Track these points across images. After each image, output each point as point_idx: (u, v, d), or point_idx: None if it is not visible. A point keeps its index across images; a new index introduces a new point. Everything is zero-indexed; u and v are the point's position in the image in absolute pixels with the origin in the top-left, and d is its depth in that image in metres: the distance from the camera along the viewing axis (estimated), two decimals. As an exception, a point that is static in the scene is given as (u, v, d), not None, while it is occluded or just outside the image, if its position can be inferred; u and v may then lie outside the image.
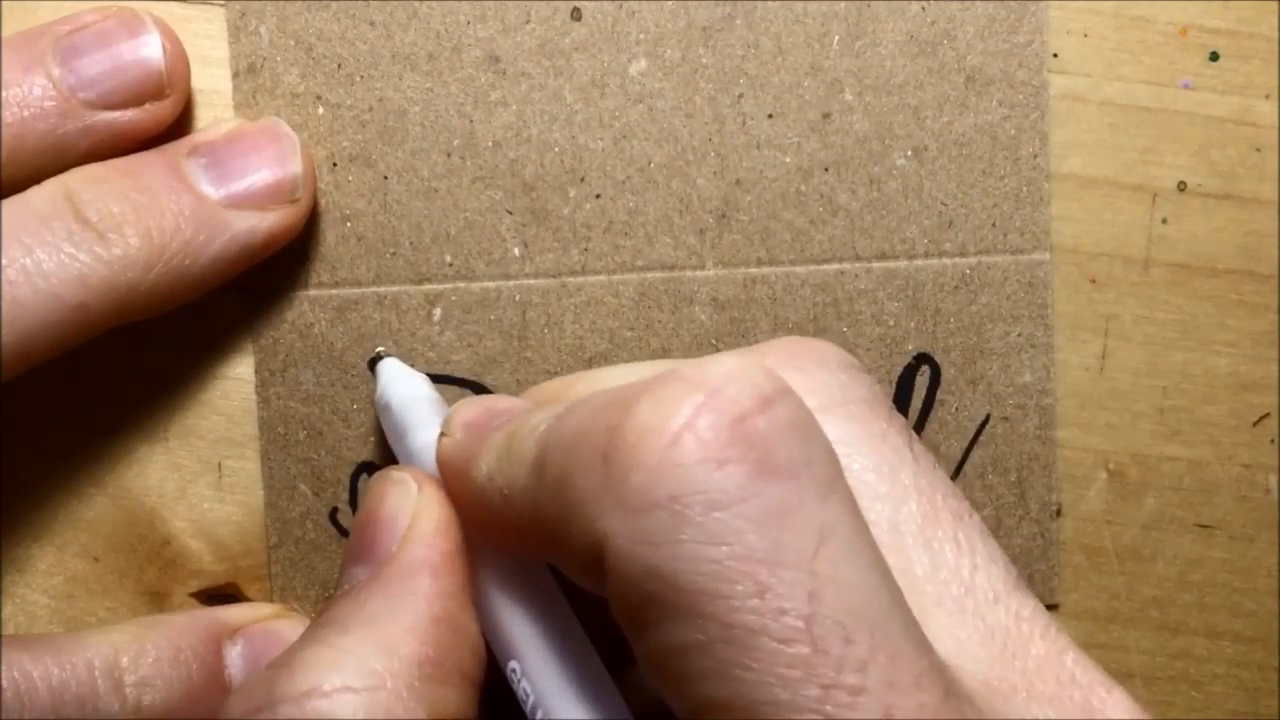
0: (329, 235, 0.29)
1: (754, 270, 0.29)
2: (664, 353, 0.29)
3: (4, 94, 0.25)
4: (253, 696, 0.21)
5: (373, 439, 0.29)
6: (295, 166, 0.27)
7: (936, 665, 0.19)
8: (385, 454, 0.29)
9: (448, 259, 0.29)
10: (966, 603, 0.21)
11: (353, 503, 0.29)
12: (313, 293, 0.29)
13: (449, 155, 0.29)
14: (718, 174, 0.29)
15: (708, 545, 0.18)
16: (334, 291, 0.29)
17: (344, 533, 0.29)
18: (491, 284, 0.29)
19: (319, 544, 0.29)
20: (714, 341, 0.29)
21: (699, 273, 0.29)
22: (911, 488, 0.23)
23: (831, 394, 0.23)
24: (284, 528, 0.29)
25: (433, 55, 0.28)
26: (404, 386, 0.27)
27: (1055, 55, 0.29)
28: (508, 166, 0.29)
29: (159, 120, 0.27)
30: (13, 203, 0.25)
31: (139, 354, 0.28)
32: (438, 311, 0.29)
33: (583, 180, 0.29)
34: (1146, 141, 0.30)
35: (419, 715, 0.21)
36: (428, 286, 0.29)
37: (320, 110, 0.28)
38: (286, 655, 0.21)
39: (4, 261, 0.24)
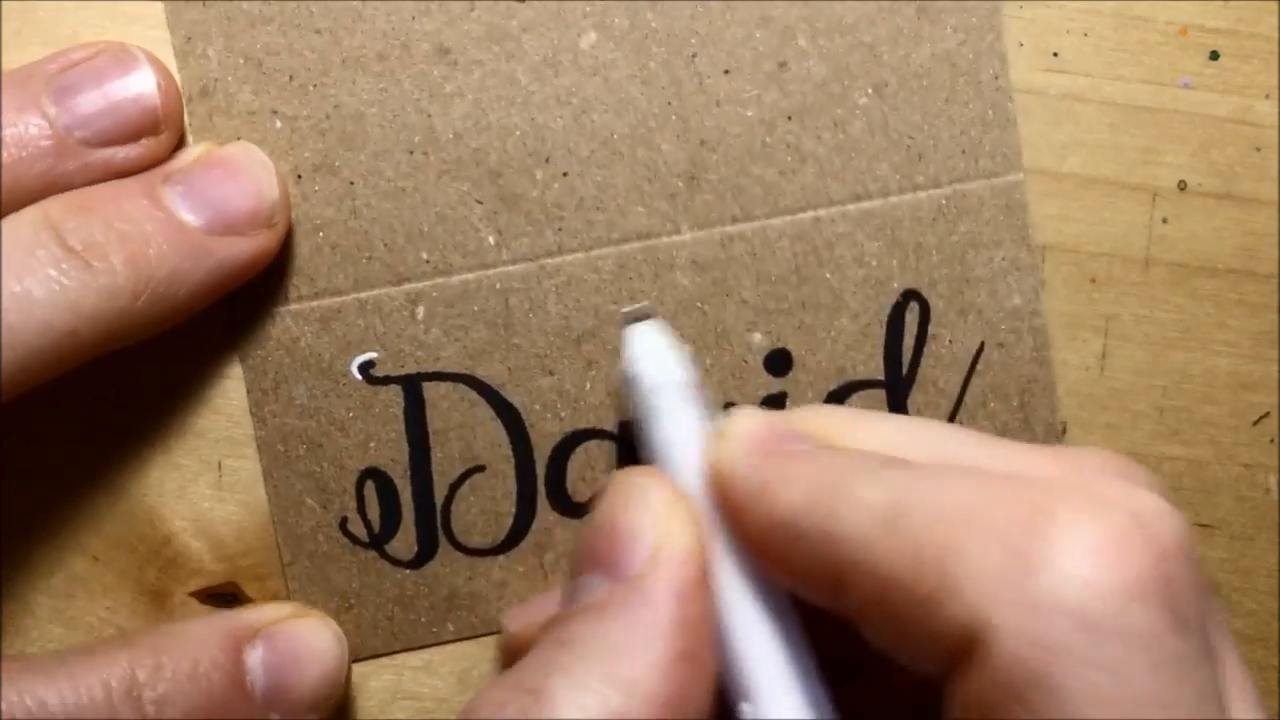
0: (303, 247, 0.29)
1: (730, 228, 0.29)
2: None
3: (6, 137, 0.25)
4: (495, 715, 0.21)
5: (373, 445, 0.29)
6: (272, 191, 0.27)
7: None
8: (389, 460, 0.29)
9: (424, 256, 0.29)
10: None
11: (360, 510, 0.29)
12: (294, 307, 0.29)
13: (411, 153, 0.29)
14: (681, 137, 0.29)
15: (1104, 672, 0.18)
16: (315, 303, 0.29)
17: (356, 541, 0.29)
18: (471, 275, 0.29)
19: (333, 555, 0.29)
20: (698, 304, 0.29)
21: (675, 238, 0.29)
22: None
23: None
24: (295, 543, 0.29)
25: (382, 55, 0.28)
26: (658, 363, 0.26)
27: (1055, 55, 0.30)
28: (471, 156, 0.29)
29: (155, 156, 0.27)
30: None
31: (136, 362, 0.28)
32: (421, 309, 0.29)
33: (548, 160, 0.29)
34: (1146, 141, 0.30)
35: None
36: (408, 286, 0.29)
37: (278, 124, 0.28)
38: (531, 675, 0.21)
39: None
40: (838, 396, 0.29)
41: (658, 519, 0.23)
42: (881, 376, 0.30)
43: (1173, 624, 0.18)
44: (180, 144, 0.28)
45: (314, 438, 0.29)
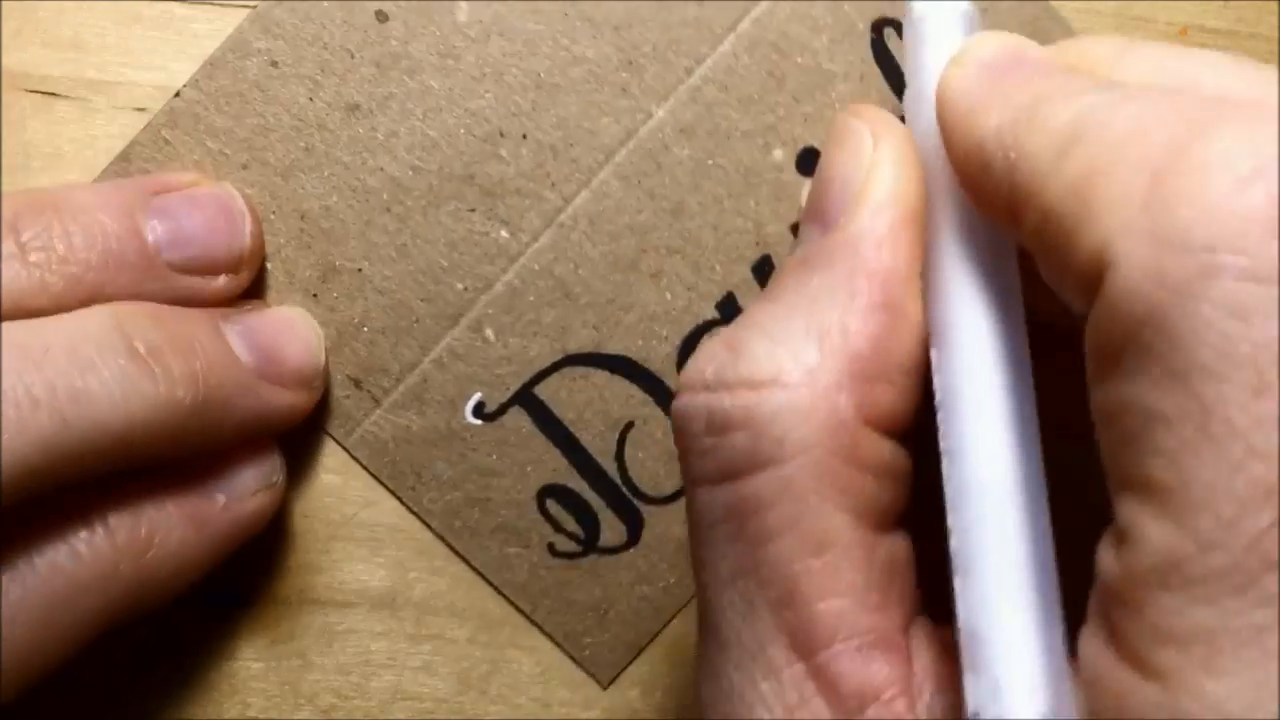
0: (359, 350, 0.29)
1: (693, 80, 0.29)
2: (680, 209, 0.29)
3: (99, 242, 0.25)
4: (700, 370, 0.21)
5: (530, 469, 0.29)
6: (320, 357, 0.28)
7: None
8: (552, 472, 0.29)
9: (459, 286, 0.29)
10: None
11: (558, 529, 0.29)
12: (385, 404, 0.29)
13: (389, 210, 0.29)
14: (598, 36, 0.29)
15: (1229, 318, 0.15)
16: (400, 389, 0.29)
17: (572, 556, 0.29)
18: (509, 275, 0.29)
19: (562, 581, 0.29)
20: (709, 162, 0.29)
21: (653, 120, 0.29)
22: None
23: None
24: (525, 593, 0.29)
25: (308, 148, 0.28)
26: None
27: None
28: (438, 177, 0.29)
29: (231, 293, 0.27)
30: (63, 323, 0.24)
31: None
32: (489, 331, 0.29)
33: (502, 135, 0.29)
34: None
35: (847, 414, 0.20)
36: (465, 319, 0.29)
37: (269, 266, 0.29)
38: (734, 335, 0.21)
39: (56, 379, 0.23)
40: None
41: (864, 160, 0.21)
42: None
43: None
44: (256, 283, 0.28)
45: (478, 497, 0.29)
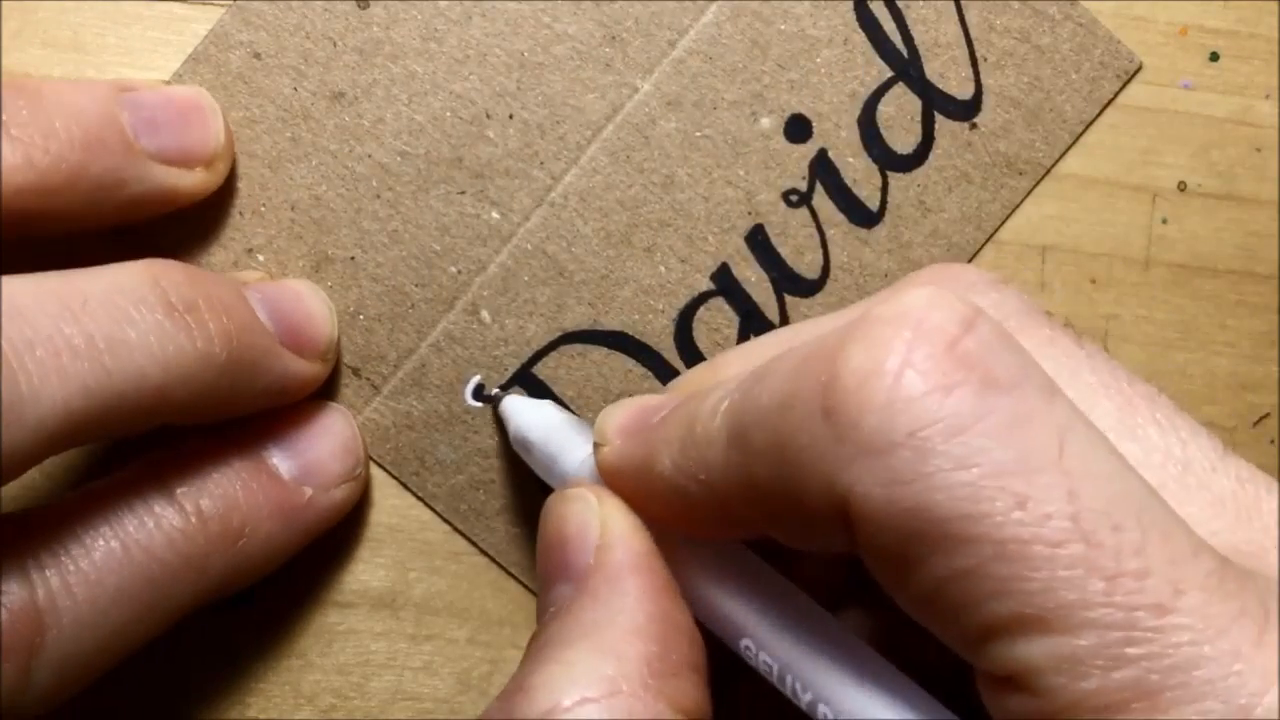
0: (356, 338, 0.29)
1: (676, 50, 0.29)
2: (670, 182, 0.29)
3: (79, 123, 0.25)
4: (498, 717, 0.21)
5: (532, 448, 0.29)
6: (334, 331, 0.28)
7: (1200, 537, 0.18)
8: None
9: (453, 270, 0.29)
10: (1187, 479, 0.21)
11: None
12: (385, 390, 0.29)
13: (379, 196, 0.29)
14: (579, 10, 0.28)
15: (958, 470, 0.18)
16: (399, 375, 0.29)
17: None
18: (502, 256, 0.29)
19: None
20: (697, 134, 0.29)
21: (639, 94, 0.29)
22: (1097, 384, 0.22)
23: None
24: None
25: (295, 139, 0.28)
26: (535, 417, 0.27)
27: None
28: (425, 160, 0.29)
29: (208, 188, 0.27)
30: (98, 276, 0.24)
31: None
32: (484, 313, 0.29)
33: (488, 116, 0.29)
34: (1146, 141, 0.30)
35: (661, 712, 0.21)
36: (460, 302, 0.29)
37: (260, 259, 0.29)
38: (517, 680, 0.21)
39: (95, 330, 0.23)
40: (869, 112, 0.29)
41: (593, 515, 0.23)
42: (891, 74, 0.29)
43: (992, 393, 0.18)
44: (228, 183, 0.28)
45: (482, 479, 0.29)
